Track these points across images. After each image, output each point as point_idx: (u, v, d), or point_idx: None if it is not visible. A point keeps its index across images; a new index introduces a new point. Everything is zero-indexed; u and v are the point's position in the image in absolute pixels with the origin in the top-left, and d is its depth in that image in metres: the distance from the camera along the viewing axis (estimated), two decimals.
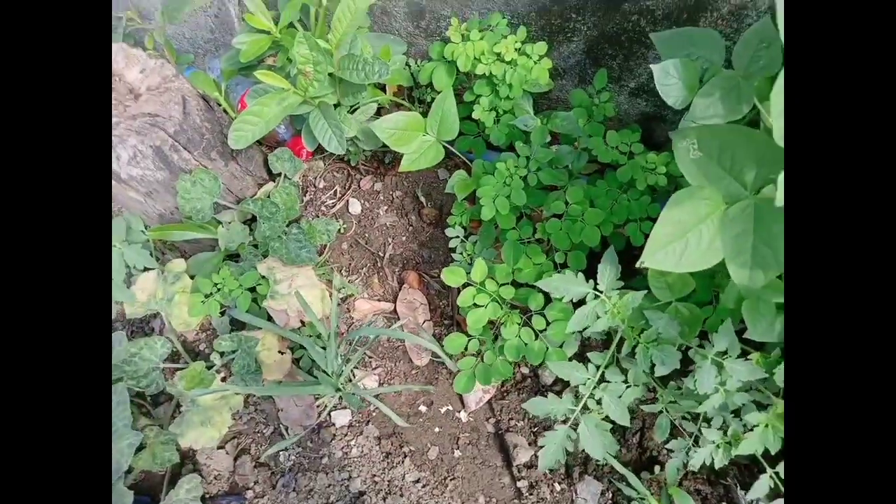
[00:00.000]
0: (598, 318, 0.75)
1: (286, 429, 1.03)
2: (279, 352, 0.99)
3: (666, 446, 0.91)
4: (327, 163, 1.29)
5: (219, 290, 0.94)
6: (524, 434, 1.06)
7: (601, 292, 0.75)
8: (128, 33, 1.20)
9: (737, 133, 0.68)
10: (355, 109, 1.10)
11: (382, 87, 1.19)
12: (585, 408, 0.78)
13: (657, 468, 0.98)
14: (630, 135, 0.99)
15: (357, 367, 1.10)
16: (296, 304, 0.94)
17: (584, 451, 1.03)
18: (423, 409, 1.09)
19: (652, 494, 0.93)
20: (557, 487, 1.01)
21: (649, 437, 1.04)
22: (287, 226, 1.00)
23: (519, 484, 1.02)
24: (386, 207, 1.26)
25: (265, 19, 1.01)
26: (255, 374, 0.94)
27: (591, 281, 0.75)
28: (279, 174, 1.08)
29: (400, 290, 1.18)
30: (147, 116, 0.90)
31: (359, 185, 1.28)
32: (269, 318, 1.00)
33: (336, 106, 1.03)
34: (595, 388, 0.78)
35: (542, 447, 0.77)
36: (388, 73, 0.90)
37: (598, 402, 0.78)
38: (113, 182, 0.92)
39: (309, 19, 1.09)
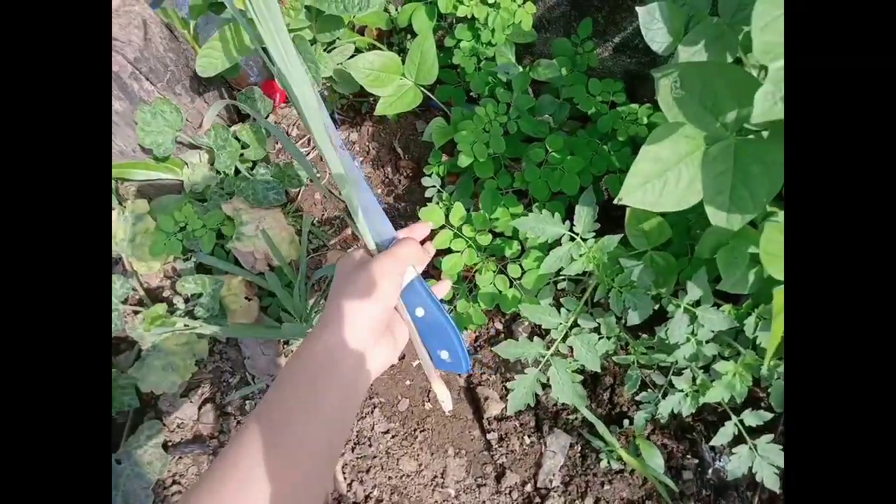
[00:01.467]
0: (573, 260, 0.73)
1: (252, 378, 1.01)
2: (246, 297, 0.96)
3: (635, 398, 0.92)
4: None
5: (182, 229, 0.90)
6: (495, 388, 1.05)
7: (577, 234, 0.74)
8: None
9: (719, 69, 0.66)
10: (332, 49, 1.05)
11: (360, 31, 1.14)
12: (557, 353, 0.77)
13: (626, 422, 0.99)
14: (613, 84, 0.96)
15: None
16: (263, 247, 0.90)
17: (554, 404, 1.03)
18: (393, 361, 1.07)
19: (620, 447, 0.94)
20: (527, 440, 1.01)
21: (619, 393, 1.04)
22: (253, 167, 0.96)
23: (489, 436, 1.01)
24: (362, 158, 1.23)
25: None
26: (221, 318, 0.90)
27: (567, 222, 0.73)
28: (248, 116, 1.03)
29: None
30: None
31: (335, 132, 1.23)
32: (237, 263, 0.96)
33: (312, 42, 0.99)
34: (567, 334, 0.77)
35: (511, 391, 0.76)
36: (369, 5, 0.86)
37: (570, 349, 0.77)
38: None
39: None
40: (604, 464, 0.95)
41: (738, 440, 0.79)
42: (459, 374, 1.07)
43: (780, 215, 0.76)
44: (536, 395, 0.80)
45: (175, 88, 0.94)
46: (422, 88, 1.01)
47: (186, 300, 0.93)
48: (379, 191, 1.20)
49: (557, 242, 0.74)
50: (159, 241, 0.90)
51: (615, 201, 0.64)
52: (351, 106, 1.25)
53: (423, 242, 0.58)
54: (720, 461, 0.95)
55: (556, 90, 1.00)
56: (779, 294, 0.63)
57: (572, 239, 0.73)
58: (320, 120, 0.54)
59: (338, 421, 0.44)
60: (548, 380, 0.77)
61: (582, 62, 0.99)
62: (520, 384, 0.76)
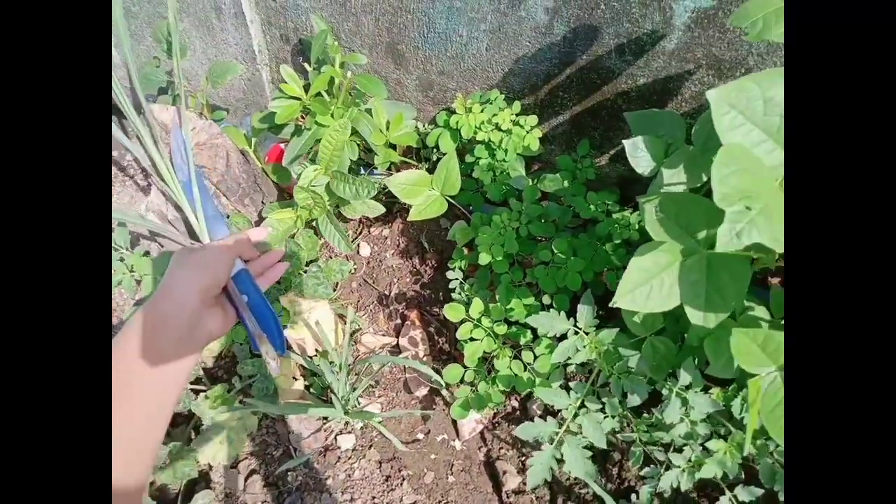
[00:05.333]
0: (578, 350, 0.87)
1: (295, 450, 1.13)
2: (294, 377, 1.10)
3: (641, 473, 1.01)
4: None
5: None
6: (513, 462, 1.15)
7: (580, 329, 0.88)
8: (176, 95, 1.38)
9: (690, 200, 0.83)
10: (370, 171, 1.26)
11: (394, 147, 1.35)
12: (568, 431, 0.89)
13: (633, 496, 1.07)
14: (608, 195, 1.14)
15: (361, 396, 1.20)
16: (311, 335, 1.06)
17: (567, 479, 1.12)
18: (420, 436, 1.19)
19: None
20: None
21: (627, 469, 1.13)
22: (307, 265, 1.13)
23: None
24: (393, 251, 1.40)
25: (298, 88, 1.18)
26: (273, 397, 1.04)
27: (572, 319, 0.88)
28: None
29: (403, 326, 1.30)
30: (195, 168, 1.05)
31: (369, 231, 1.42)
32: (289, 348, 1.11)
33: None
34: (576, 413, 0.89)
35: (530, 466, 0.87)
36: (374, 191, 1.07)
37: (580, 427, 0.88)
38: (158, 221, 1.05)
39: (332, 88, 1.26)
40: None
41: None
42: (479, 448, 1.17)
43: (756, 310, 0.90)
44: (551, 468, 0.91)
45: (244, 201, 1.14)
46: (446, 198, 1.19)
47: (241, 379, 1.07)
48: (408, 279, 1.36)
49: (564, 336, 0.88)
50: None
51: (611, 304, 0.79)
52: (385, 207, 1.44)
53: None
54: None
55: (559, 198, 1.18)
56: (753, 386, 0.75)
57: (576, 333, 0.87)
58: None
59: (174, 369, 0.50)
60: (562, 455, 0.88)
61: (581, 175, 1.18)
62: (537, 460, 0.87)
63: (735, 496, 0.88)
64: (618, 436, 1.00)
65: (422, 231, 1.41)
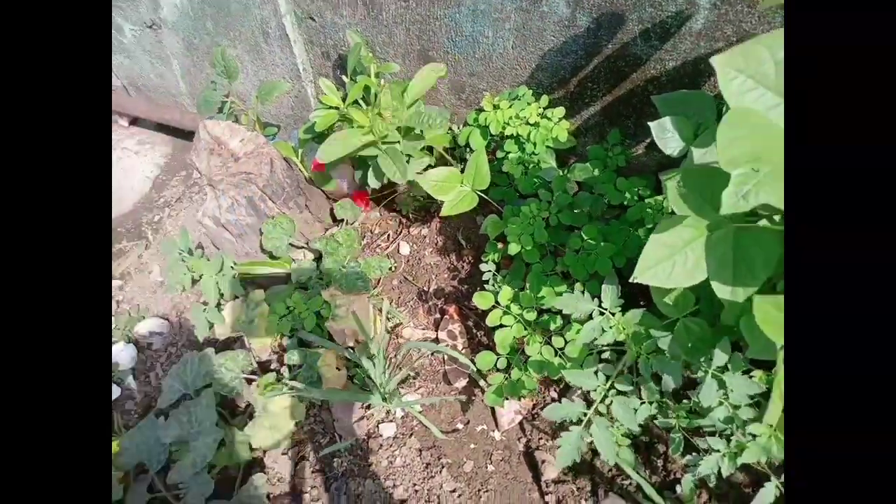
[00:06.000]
0: (604, 331, 0.87)
1: (340, 437, 1.18)
2: (337, 368, 1.16)
3: (684, 463, 0.98)
4: (383, 213, 1.51)
5: (290, 312, 1.14)
6: (552, 452, 1.14)
7: (606, 309, 0.88)
8: (230, 112, 1.51)
9: (714, 172, 0.81)
10: (409, 161, 1.31)
11: (430, 150, 1.41)
12: (597, 413, 0.88)
13: (678, 488, 1.04)
14: (639, 181, 1.13)
15: (403, 387, 1.24)
16: (353, 326, 1.12)
17: (610, 469, 1.10)
18: (460, 426, 1.21)
19: None
20: (584, 503, 1.08)
21: (673, 461, 1.09)
22: (347, 262, 1.20)
23: (547, 498, 1.10)
24: (431, 249, 1.45)
25: (336, 98, 1.26)
26: (317, 384, 1.11)
27: (597, 299, 0.88)
28: (342, 220, 1.30)
29: (441, 320, 1.34)
30: (243, 174, 1.15)
31: (408, 231, 1.48)
32: (331, 338, 1.18)
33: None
34: (606, 396, 0.88)
35: (559, 447, 0.87)
36: (446, 123, 1.11)
37: (609, 408, 0.88)
38: (212, 225, 1.16)
39: (370, 96, 1.34)
40: None
41: (779, 501, 0.84)
42: (518, 439, 1.18)
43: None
44: (591, 460, 0.90)
45: (289, 204, 1.23)
46: (478, 193, 1.23)
47: (290, 369, 1.15)
48: (446, 275, 1.40)
49: (590, 317, 0.88)
50: (273, 322, 1.15)
51: (631, 279, 0.79)
52: (422, 207, 1.50)
53: None
54: None
55: (592, 188, 1.18)
56: (780, 356, 0.72)
57: (602, 313, 0.87)
58: None
59: None
60: (591, 437, 0.88)
61: (612, 163, 1.18)
62: (565, 440, 0.87)
63: (783, 483, 0.84)
64: (655, 422, 0.97)
65: (458, 229, 1.45)
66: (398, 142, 1.18)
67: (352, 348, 1.15)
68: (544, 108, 1.23)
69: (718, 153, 0.60)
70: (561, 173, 1.20)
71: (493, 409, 1.21)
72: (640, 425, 0.98)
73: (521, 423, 1.20)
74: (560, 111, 1.21)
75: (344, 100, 1.30)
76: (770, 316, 0.71)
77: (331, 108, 1.28)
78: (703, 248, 0.80)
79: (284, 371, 1.15)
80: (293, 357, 1.13)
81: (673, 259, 0.81)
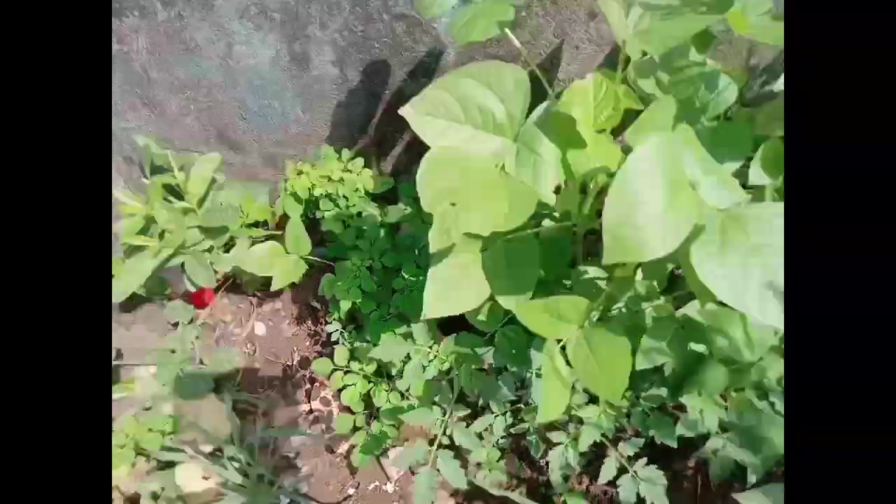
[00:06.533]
0: (425, 368, 0.90)
1: None
2: (204, 478, 1.11)
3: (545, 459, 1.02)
4: (231, 298, 1.47)
5: (129, 438, 1.08)
6: (446, 487, 1.15)
7: (422, 346, 0.91)
8: None
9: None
10: (231, 247, 1.30)
11: (256, 224, 1.40)
12: (440, 446, 0.90)
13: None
14: None
15: (282, 471, 1.20)
16: (203, 433, 1.07)
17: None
18: (351, 491, 1.19)
19: None
20: None
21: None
22: (183, 367, 1.16)
23: None
24: (288, 321, 1.43)
25: (135, 203, 1.23)
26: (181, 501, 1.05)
27: (410, 340, 0.91)
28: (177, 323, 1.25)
29: (312, 389, 1.32)
30: None
31: (261, 309, 1.45)
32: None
33: (209, 249, 1.24)
34: (446, 426, 0.91)
35: (412, 494, 0.89)
36: (237, 217, 1.11)
37: (451, 438, 0.90)
38: None
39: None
40: None
41: (620, 471, 0.90)
42: (411, 484, 1.18)
43: (591, 271, 0.93)
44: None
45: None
46: (305, 258, 1.23)
47: (153, 497, 1.08)
48: (307, 343, 1.39)
49: (409, 357, 0.91)
50: (121, 456, 1.08)
51: (422, 318, 0.82)
52: (268, 281, 1.48)
53: None
54: None
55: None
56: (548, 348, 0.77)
57: (418, 352, 0.90)
58: None
59: None
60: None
61: None
62: (418, 484, 0.88)
63: (620, 452, 0.90)
64: (511, 430, 1.02)
65: (310, 292, 1.44)
66: (202, 240, 1.17)
67: (211, 455, 1.10)
68: (348, 162, 1.27)
69: (421, 200, 0.65)
70: (379, 219, 1.23)
71: (379, 462, 1.21)
72: (502, 437, 1.02)
73: (410, 468, 1.20)
74: (359, 162, 1.26)
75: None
76: (536, 319, 0.76)
77: (133, 215, 1.24)
78: (480, 268, 0.85)
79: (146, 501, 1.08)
80: (152, 485, 1.07)
81: (459, 285, 0.85)
